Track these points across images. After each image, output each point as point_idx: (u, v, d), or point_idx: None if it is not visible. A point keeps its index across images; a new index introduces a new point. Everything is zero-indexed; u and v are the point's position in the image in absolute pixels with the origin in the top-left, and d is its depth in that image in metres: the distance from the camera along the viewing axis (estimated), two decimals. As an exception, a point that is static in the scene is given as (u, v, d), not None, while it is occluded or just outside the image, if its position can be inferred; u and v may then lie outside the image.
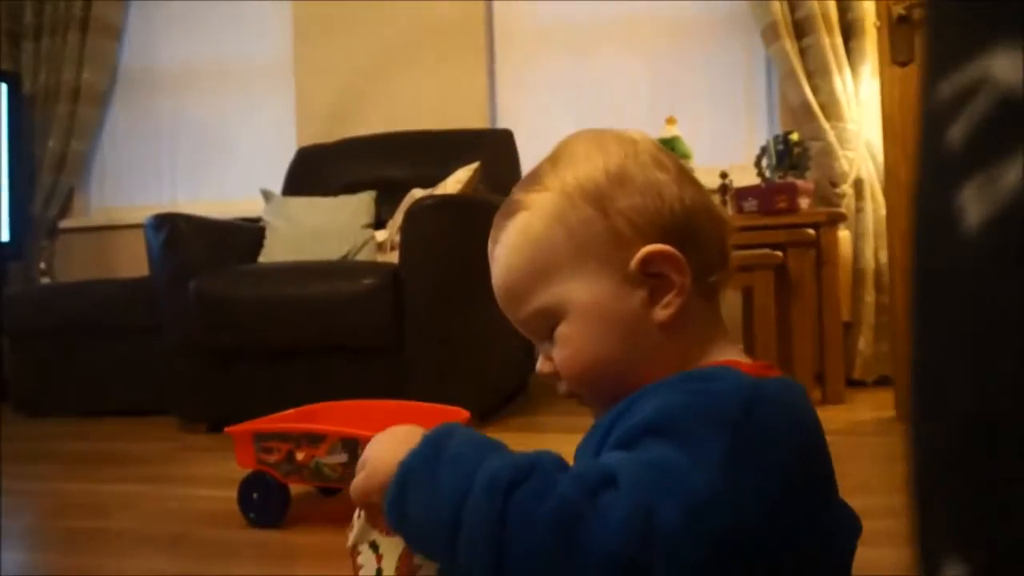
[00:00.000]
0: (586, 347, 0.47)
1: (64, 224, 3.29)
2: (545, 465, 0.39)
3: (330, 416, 1.31)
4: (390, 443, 0.45)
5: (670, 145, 2.06)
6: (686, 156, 2.11)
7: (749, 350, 2.11)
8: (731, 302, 2.31)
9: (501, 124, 2.84)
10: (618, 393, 0.46)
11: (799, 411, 0.43)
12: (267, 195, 2.57)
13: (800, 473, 0.41)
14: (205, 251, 2.20)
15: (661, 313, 0.46)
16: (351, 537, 0.50)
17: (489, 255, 0.52)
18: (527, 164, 2.59)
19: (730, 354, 0.48)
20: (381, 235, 2.34)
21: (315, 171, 2.74)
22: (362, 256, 2.31)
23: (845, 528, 0.45)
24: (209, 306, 2.03)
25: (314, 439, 1.16)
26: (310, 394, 1.48)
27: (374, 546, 0.49)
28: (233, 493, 1.24)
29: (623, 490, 0.37)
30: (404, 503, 0.41)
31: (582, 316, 0.47)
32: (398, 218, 2.25)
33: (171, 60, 3.27)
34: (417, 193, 2.26)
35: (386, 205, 2.44)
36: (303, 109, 3.05)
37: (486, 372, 1.91)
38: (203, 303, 2.03)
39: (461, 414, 1.27)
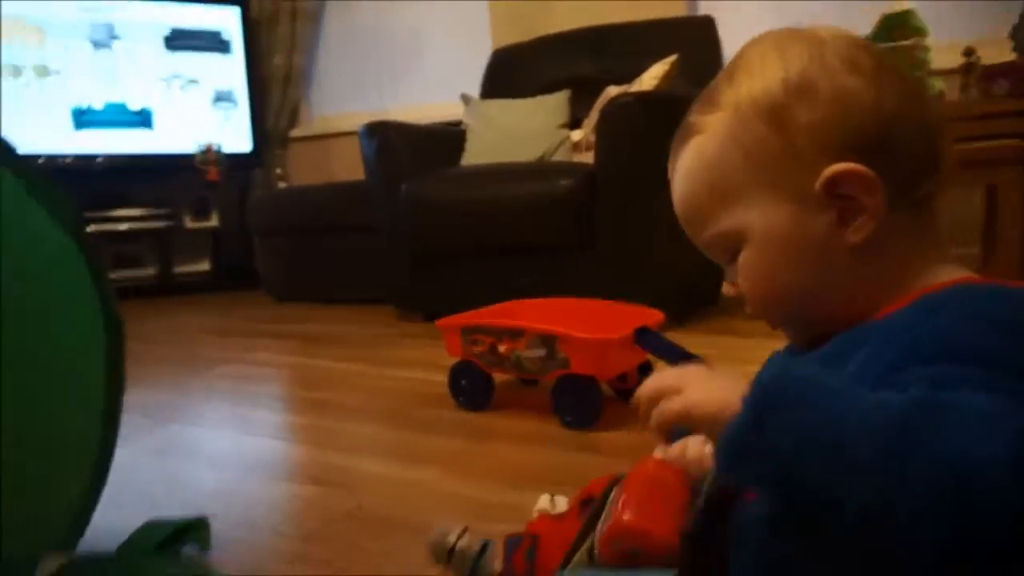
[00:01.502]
0: (768, 274, 0.44)
1: (293, 134, 3.65)
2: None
3: (529, 312, 1.38)
4: (706, 379, 0.39)
5: (901, 20, 1.80)
6: (921, 32, 1.83)
7: (989, 258, 1.87)
8: (971, 202, 2.04)
9: (702, 11, 2.65)
10: (812, 321, 0.44)
11: None
12: (466, 99, 2.66)
13: None
14: (412, 156, 2.34)
15: (852, 237, 0.42)
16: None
17: (669, 177, 0.49)
18: (730, 54, 2.41)
19: (952, 274, 0.42)
20: (576, 135, 2.33)
21: (510, 72, 2.77)
22: (557, 157, 2.33)
23: None
24: (417, 208, 2.18)
25: (514, 334, 1.23)
26: (511, 289, 1.56)
27: None
28: (443, 377, 1.37)
29: None
30: (761, 429, 0.33)
31: (763, 242, 0.44)
32: (593, 117, 2.22)
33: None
34: (612, 91, 2.21)
35: (581, 104, 2.42)
36: (496, 9, 3.05)
37: (680, 273, 1.88)
38: (412, 206, 2.18)
39: (655, 315, 1.28)
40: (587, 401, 1.17)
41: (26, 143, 2.88)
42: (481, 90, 2.81)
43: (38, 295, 0.86)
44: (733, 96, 0.44)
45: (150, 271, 3.18)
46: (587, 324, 1.20)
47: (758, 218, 0.44)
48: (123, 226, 3.08)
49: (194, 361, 1.93)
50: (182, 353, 2.02)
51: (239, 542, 0.87)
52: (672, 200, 0.49)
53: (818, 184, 0.41)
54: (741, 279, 0.46)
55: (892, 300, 0.42)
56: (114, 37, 3.19)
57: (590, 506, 0.60)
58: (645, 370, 1.30)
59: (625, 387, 1.30)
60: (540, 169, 2.17)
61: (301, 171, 3.64)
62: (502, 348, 1.25)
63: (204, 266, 3.34)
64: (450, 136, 2.56)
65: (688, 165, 0.47)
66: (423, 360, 1.73)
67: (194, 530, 0.85)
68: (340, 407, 1.42)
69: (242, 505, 0.97)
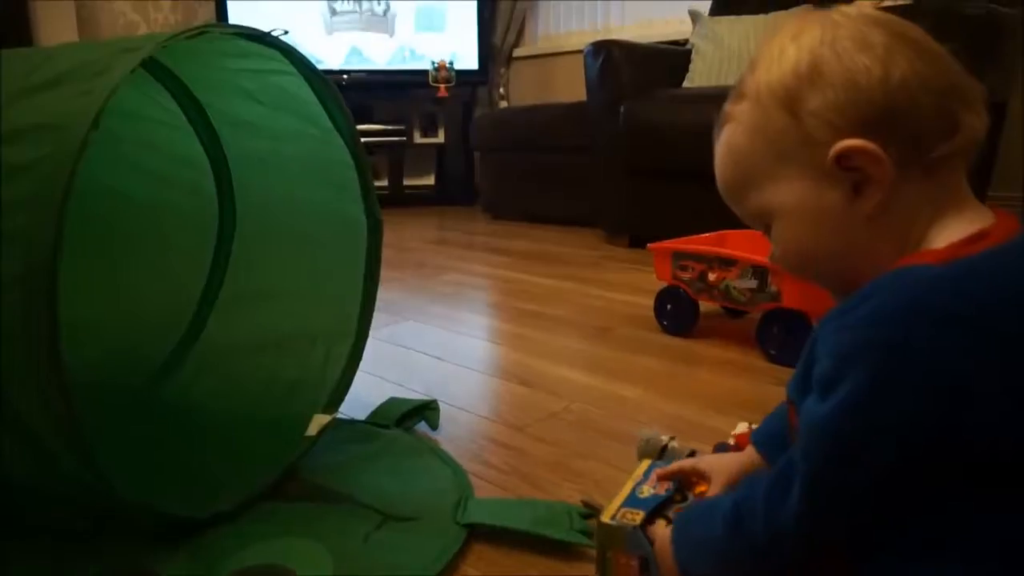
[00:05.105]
0: (796, 245, 0.50)
1: (517, 52, 3.74)
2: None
3: (742, 242, 1.35)
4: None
5: None
6: None
7: None
8: None
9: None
10: (842, 282, 0.48)
11: (1000, 291, 0.41)
12: (694, 16, 2.54)
13: (984, 375, 0.39)
14: (635, 76, 2.31)
15: (865, 205, 0.46)
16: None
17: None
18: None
19: (952, 230, 0.45)
20: (812, 56, 2.15)
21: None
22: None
23: None
24: (636, 130, 2.17)
25: (727, 263, 1.22)
26: (725, 218, 1.53)
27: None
28: (648, 301, 1.40)
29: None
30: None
31: (787, 217, 0.49)
32: (834, 36, 2.03)
33: None
34: (861, 3, 2.00)
35: (822, 21, 2.21)
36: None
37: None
38: (631, 127, 2.17)
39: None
40: (795, 337, 1.14)
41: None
42: (712, 4, 2.67)
43: (322, 196, 1.01)
44: (754, 86, 0.49)
45: (384, 182, 3.49)
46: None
47: (783, 196, 0.49)
48: (364, 140, 3.39)
49: (420, 268, 2.13)
50: (410, 260, 2.23)
51: (458, 425, 0.99)
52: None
53: (828, 162, 0.45)
54: (775, 249, 0.52)
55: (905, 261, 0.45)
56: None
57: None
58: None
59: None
60: (768, 93, 2.05)
61: (522, 90, 3.73)
62: (712, 276, 1.25)
63: (429, 180, 3.60)
64: (675, 56, 2.48)
65: (721, 153, 0.52)
66: (629, 283, 1.76)
67: (426, 410, 0.99)
68: (548, 320, 1.51)
69: (462, 394, 1.10)
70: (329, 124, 0.95)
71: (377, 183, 3.43)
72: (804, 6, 2.29)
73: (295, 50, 0.87)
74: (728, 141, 0.51)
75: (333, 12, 3.42)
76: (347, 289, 1.01)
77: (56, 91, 0.67)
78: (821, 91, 0.45)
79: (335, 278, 1.03)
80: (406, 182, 3.55)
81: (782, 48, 0.48)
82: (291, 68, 0.88)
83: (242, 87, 0.96)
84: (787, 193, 0.48)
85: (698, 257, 1.27)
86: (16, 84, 0.70)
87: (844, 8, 0.48)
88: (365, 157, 0.98)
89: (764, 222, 0.51)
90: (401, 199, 3.48)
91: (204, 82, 1.00)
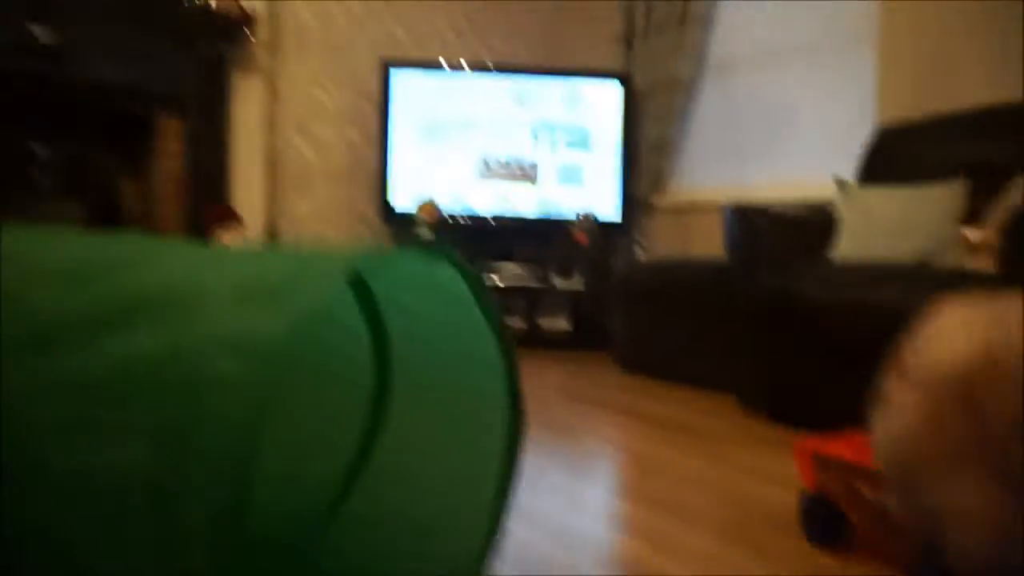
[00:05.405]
0: (974, 555, 0.45)
1: (656, 203, 3.83)
2: None
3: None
4: None
5: None
6: None
7: None
8: None
9: None
10: None
11: None
12: (840, 184, 2.52)
13: None
14: (776, 243, 2.30)
15: None
16: None
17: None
18: None
19: None
20: (974, 234, 2.05)
21: (895, 153, 2.56)
22: (948, 259, 2.07)
23: None
24: (775, 300, 2.12)
25: (875, 476, 1.14)
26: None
27: None
28: (788, 493, 1.31)
29: None
30: None
31: (963, 522, 0.44)
32: (998, 215, 1.94)
33: (752, 45, 3.44)
34: (1026, 184, 1.91)
35: (983, 196, 2.12)
36: (886, 81, 2.84)
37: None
38: (772, 297, 2.13)
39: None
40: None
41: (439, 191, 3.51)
42: (859, 172, 2.64)
43: (470, 386, 1.07)
44: (921, 371, 0.46)
45: (519, 323, 3.60)
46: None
47: (958, 499, 0.44)
48: (504, 282, 3.54)
49: (548, 427, 2.13)
50: (539, 415, 2.24)
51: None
52: None
53: (1014, 467, 0.41)
54: (948, 552, 0.47)
55: None
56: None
57: None
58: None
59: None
60: (916, 272, 1.96)
61: (660, 240, 3.79)
62: (861, 488, 1.16)
63: (563, 324, 3.67)
64: (818, 220, 2.45)
65: (885, 442, 0.50)
66: (767, 468, 1.67)
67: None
68: (679, 509, 1.45)
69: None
70: (483, 323, 1.01)
71: (512, 323, 3.57)
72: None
73: (459, 258, 0.95)
74: (894, 431, 0.49)
75: (487, 166, 3.72)
76: (485, 478, 1.04)
77: (253, 305, 0.75)
78: (997, 386, 0.43)
79: (474, 465, 1.07)
80: (540, 324, 3.63)
81: (951, 337, 0.46)
82: (452, 269, 0.96)
83: (404, 276, 1.06)
84: (963, 496, 0.45)
85: (843, 465, 1.19)
86: (222, 280, 0.79)
87: (1008, 297, 0.47)
88: (515, 356, 1.03)
89: (933, 520, 0.47)
90: (535, 340, 3.56)
91: (373, 270, 1.11)
